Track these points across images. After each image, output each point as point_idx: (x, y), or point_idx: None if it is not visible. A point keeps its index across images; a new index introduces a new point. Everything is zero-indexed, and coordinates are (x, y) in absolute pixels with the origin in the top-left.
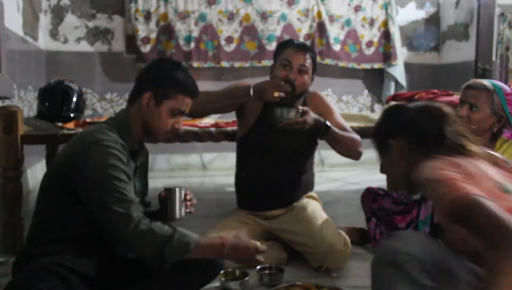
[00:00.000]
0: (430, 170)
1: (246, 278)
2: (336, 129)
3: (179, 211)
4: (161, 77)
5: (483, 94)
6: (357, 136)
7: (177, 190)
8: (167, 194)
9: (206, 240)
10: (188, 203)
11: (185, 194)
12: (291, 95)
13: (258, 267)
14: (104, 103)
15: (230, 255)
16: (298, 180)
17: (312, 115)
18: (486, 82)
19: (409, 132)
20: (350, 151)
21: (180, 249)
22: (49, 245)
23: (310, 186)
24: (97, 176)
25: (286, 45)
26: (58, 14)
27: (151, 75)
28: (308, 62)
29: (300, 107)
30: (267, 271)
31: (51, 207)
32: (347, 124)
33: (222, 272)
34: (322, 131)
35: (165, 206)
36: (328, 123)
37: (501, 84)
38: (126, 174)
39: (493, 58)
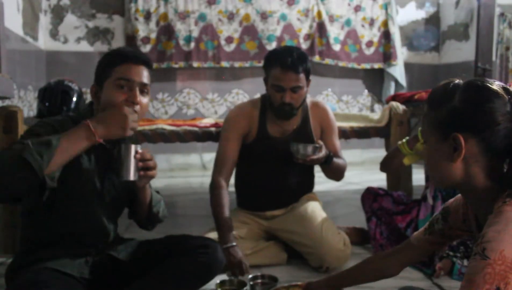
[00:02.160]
0: (497, 241)
1: (245, 288)
2: (336, 160)
3: (127, 171)
4: (97, 68)
5: None
6: (345, 163)
7: (123, 147)
8: (117, 151)
9: (68, 131)
10: (140, 163)
11: (136, 152)
12: (291, 110)
13: (250, 275)
14: None
15: (100, 129)
16: (298, 181)
17: (324, 150)
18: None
19: (488, 134)
20: (336, 177)
21: (42, 147)
22: (39, 251)
23: (310, 187)
24: None
25: (274, 64)
26: (58, 14)
27: (95, 72)
28: (301, 78)
29: (320, 142)
30: (259, 280)
31: (32, 208)
32: (340, 148)
33: (218, 282)
34: (325, 163)
35: (117, 165)
36: (332, 154)
37: None
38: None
39: (493, 58)
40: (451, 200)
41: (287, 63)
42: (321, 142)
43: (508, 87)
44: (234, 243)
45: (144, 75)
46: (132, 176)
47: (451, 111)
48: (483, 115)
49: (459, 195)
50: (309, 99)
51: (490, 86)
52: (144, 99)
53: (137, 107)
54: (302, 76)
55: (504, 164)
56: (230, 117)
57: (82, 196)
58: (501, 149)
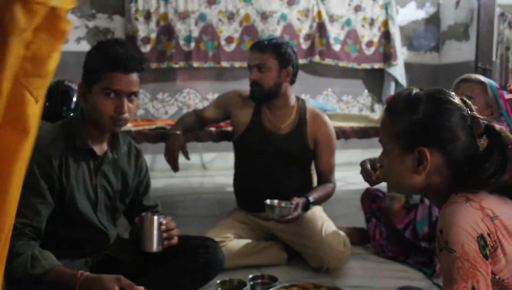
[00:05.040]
0: (455, 234)
1: (245, 288)
2: (318, 196)
3: (151, 243)
4: (87, 61)
5: (478, 86)
6: (332, 188)
7: (147, 219)
8: (140, 223)
9: (61, 269)
10: (164, 234)
11: (160, 224)
12: (261, 94)
13: (250, 276)
14: None
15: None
16: (295, 181)
17: (300, 204)
18: (478, 75)
19: (451, 148)
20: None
21: (20, 271)
22: None
23: (308, 186)
24: None
25: (250, 48)
26: None
27: (83, 64)
28: (266, 57)
29: (295, 201)
30: (259, 280)
31: None
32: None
33: (218, 282)
34: (306, 210)
35: (140, 236)
36: (310, 199)
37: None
38: (33, 190)
39: (493, 58)
40: None
41: (255, 44)
42: (296, 200)
43: (465, 100)
44: (178, 132)
45: (134, 83)
46: (155, 247)
47: (415, 124)
48: (447, 130)
49: None
50: (310, 107)
51: (452, 99)
52: (132, 104)
53: (125, 115)
54: (269, 57)
55: (463, 172)
56: (226, 92)
57: (79, 208)
58: (461, 160)
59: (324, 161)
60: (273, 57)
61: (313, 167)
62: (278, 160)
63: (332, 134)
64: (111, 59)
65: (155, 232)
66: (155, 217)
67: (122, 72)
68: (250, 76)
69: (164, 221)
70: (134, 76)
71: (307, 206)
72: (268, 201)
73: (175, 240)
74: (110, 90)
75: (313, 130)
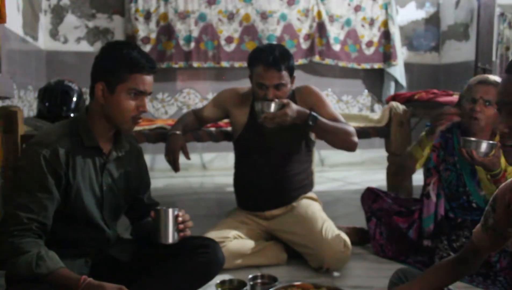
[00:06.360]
0: None
1: (245, 288)
2: (325, 120)
3: (166, 235)
4: (108, 62)
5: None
6: (350, 127)
7: (163, 212)
8: (156, 216)
9: (65, 272)
10: (181, 225)
11: (177, 216)
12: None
13: (250, 276)
14: None
15: None
16: (295, 179)
17: (293, 107)
18: (496, 78)
19: None
20: (343, 141)
21: (25, 269)
22: None
23: (309, 185)
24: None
25: (256, 62)
26: (58, 14)
27: (98, 64)
28: (283, 75)
29: (278, 100)
30: (259, 280)
31: None
32: (342, 118)
33: (218, 282)
34: (309, 123)
35: (155, 229)
36: (314, 114)
37: None
38: (40, 186)
39: (493, 58)
40: (501, 186)
41: (269, 61)
42: (286, 100)
43: None
44: (178, 132)
45: (152, 83)
46: (171, 239)
47: None
48: None
49: (509, 181)
50: (296, 87)
51: None
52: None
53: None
54: (284, 73)
55: None
56: (223, 90)
57: (85, 205)
58: None
59: (326, 113)
60: (287, 72)
61: (313, 165)
62: (278, 156)
63: (321, 94)
64: (136, 61)
65: (171, 224)
66: (170, 210)
67: (146, 73)
68: (265, 93)
69: (179, 213)
70: (152, 78)
71: (306, 119)
72: (258, 101)
73: (188, 233)
74: (136, 91)
75: (304, 103)
